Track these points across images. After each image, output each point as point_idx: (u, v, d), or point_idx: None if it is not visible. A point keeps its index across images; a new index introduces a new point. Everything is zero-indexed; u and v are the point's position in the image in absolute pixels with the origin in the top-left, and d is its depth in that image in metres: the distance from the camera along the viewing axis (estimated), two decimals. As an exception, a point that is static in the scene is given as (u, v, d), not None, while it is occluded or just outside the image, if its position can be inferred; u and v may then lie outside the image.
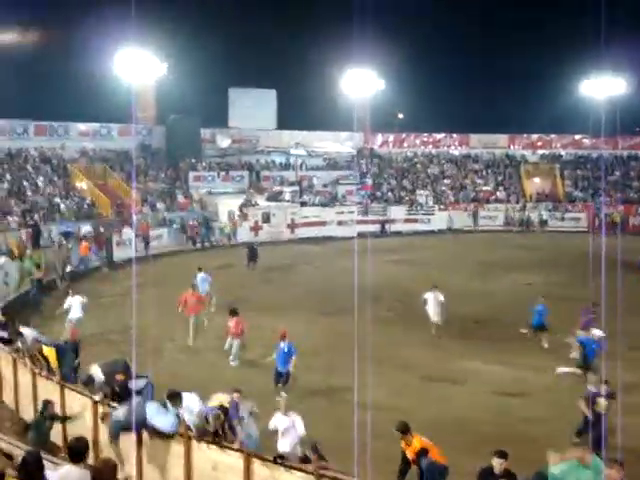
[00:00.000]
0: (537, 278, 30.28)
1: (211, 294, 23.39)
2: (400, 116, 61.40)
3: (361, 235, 40.70)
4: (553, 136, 55.99)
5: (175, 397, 10.43)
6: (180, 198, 43.65)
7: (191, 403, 10.54)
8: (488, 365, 18.81)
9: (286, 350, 16.14)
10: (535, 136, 56.19)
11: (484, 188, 51.75)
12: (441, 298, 21.60)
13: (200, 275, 23.93)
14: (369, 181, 50.92)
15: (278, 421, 11.30)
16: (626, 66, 48.20)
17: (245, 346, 19.15)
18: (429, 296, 21.70)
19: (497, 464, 9.05)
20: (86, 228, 34.85)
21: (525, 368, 18.41)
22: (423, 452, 9.36)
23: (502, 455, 9.07)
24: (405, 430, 9.89)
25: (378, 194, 49.69)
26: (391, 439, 10.48)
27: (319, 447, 9.97)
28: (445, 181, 52.80)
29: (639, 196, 50.05)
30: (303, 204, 45.37)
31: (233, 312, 19.13)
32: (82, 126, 46.20)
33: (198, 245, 39.11)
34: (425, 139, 56.63)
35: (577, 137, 55.16)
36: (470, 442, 13.25)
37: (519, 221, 48.23)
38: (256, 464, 9.86)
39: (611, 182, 51.58)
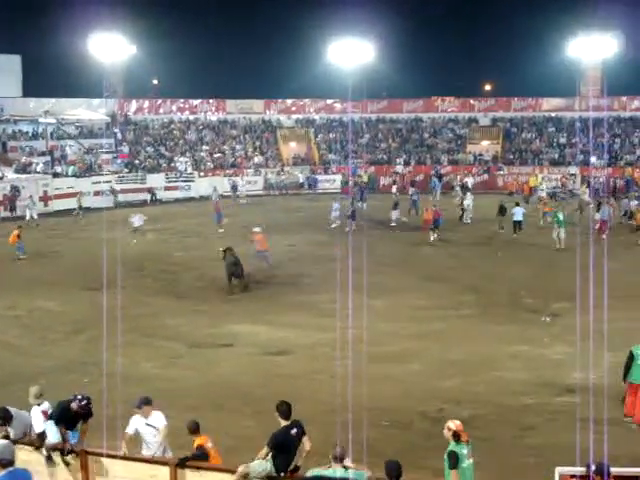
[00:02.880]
0: (298, 239, 31.23)
1: None
2: (155, 82, 60.22)
3: (123, 205, 39.75)
4: (306, 101, 57.42)
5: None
6: None
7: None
8: (255, 326, 19.14)
9: None
10: (289, 101, 57.32)
11: (241, 153, 52.28)
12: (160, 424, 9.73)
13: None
14: (125, 149, 49.59)
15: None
16: (372, 32, 50.48)
17: None
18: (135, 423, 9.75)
19: None
20: None
21: (289, 327, 18.94)
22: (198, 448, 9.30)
23: None
24: (193, 430, 9.58)
25: (136, 162, 48.52)
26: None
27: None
28: (204, 147, 52.64)
29: (388, 157, 52.95)
30: (56, 175, 43.19)
31: None
32: None
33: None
34: (181, 105, 55.85)
35: (329, 102, 56.98)
36: (240, 404, 13.45)
37: (277, 185, 49.20)
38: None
39: (362, 145, 54.14)
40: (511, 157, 52.35)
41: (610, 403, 12.35)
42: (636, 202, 34.56)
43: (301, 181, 50.04)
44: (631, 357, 12.87)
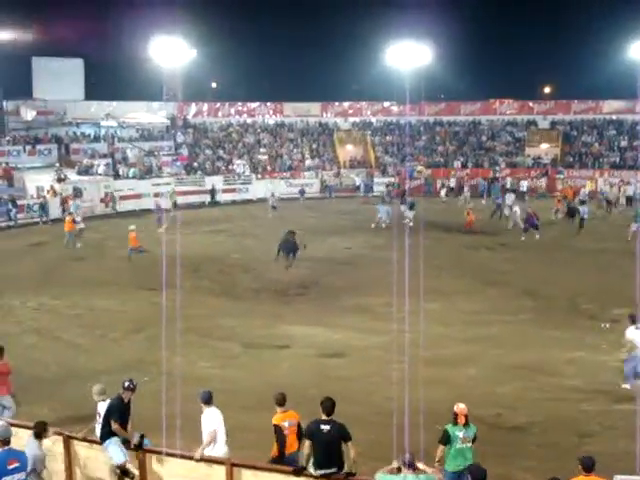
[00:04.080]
0: (356, 242, 31.24)
1: None
2: (214, 85, 60.91)
3: (182, 207, 40.25)
4: (363, 104, 57.45)
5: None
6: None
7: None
8: (310, 328, 19.19)
9: None
10: (346, 104, 57.41)
11: (299, 156, 52.62)
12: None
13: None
14: (184, 151, 50.27)
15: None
16: (430, 35, 50.24)
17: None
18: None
19: None
20: None
21: (344, 329, 18.95)
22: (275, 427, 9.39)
23: None
24: (278, 402, 9.66)
25: (195, 164, 49.15)
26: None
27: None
28: (261, 150, 53.06)
29: (445, 160, 52.61)
30: (117, 177, 44.03)
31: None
32: None
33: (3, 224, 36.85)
34: (240, 108, 56.44)
35: (386, 104, 56.94)
36: (295, 405, 13.49)
37: (333, 187, 49.29)
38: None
39: (418, 147, 53.93)
40: (571, 160, 51.59)
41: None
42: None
43: (357, 184, 50.14)
44: None
